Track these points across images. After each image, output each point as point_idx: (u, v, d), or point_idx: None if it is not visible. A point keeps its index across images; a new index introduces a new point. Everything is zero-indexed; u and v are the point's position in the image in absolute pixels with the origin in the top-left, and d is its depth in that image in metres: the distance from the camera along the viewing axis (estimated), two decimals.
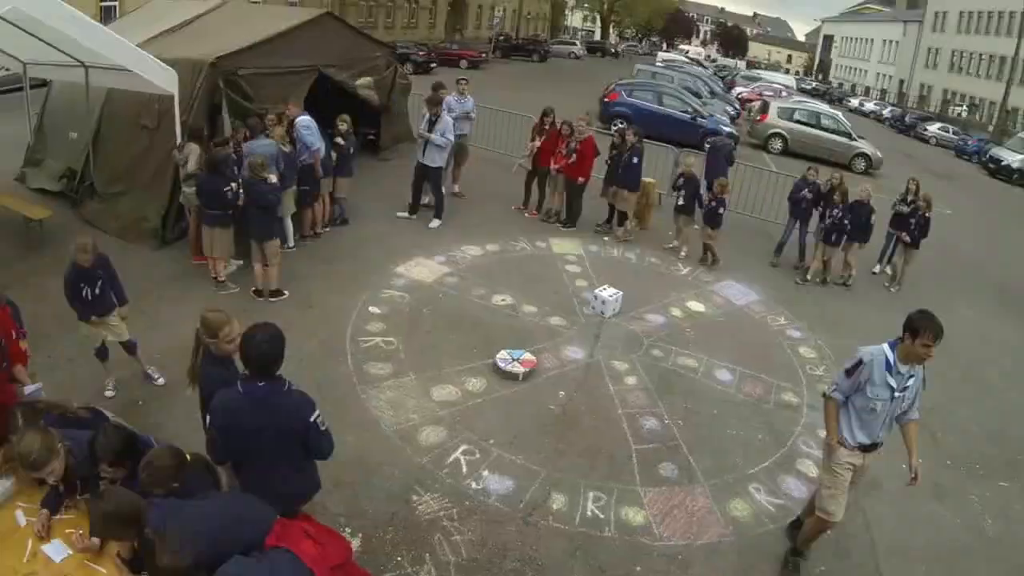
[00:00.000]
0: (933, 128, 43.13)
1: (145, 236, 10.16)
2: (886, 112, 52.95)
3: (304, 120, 10.33)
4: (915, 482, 5.00)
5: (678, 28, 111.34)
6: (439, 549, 5.35)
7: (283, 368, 6.97)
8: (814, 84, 75.25)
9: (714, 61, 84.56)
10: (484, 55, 44.52)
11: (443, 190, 12.54)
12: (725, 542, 5.83)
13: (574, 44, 66.14)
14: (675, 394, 7.97)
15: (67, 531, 3.89)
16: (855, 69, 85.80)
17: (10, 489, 4.07)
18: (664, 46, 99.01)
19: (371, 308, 9.02)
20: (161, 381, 7.17)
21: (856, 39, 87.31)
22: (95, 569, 3.69)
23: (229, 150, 9.15)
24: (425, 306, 9.28)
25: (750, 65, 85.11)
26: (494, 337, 8.64)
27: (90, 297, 6.47)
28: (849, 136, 25.56)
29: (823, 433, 7.36)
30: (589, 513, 5.95)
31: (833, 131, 25.64)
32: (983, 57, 55.32)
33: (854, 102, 59.41)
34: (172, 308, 8.43)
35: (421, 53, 36.47)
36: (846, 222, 11.34)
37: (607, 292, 9.54)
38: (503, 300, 9.75)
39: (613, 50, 78.13)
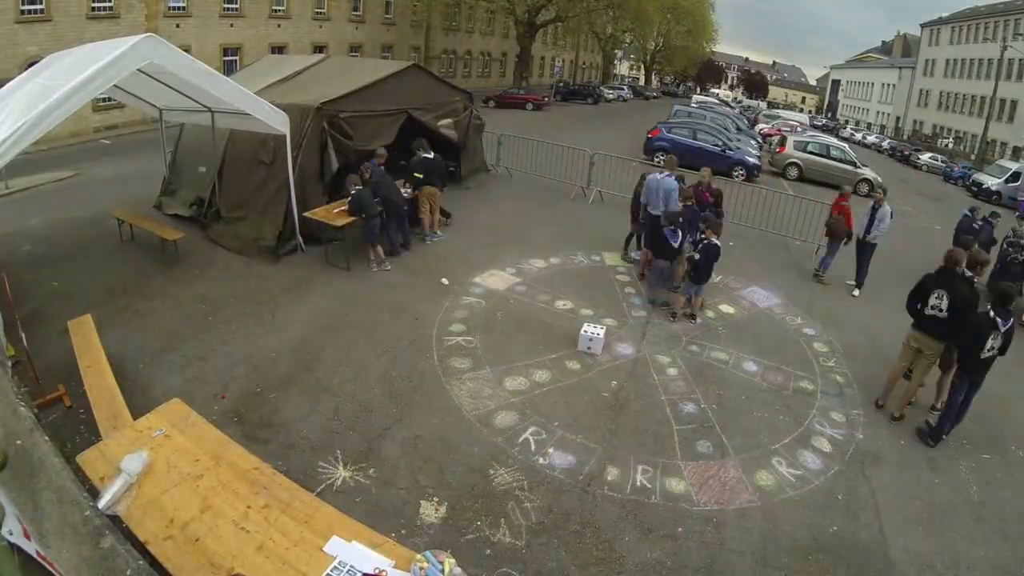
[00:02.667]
0: (924, 157, 43.78)
1: (262, 253, 10.61)
2: (885, 144, 53.25)
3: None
4: None
5: (710, 74, 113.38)
6: (512, 515, 5.62)
7: (377, 364, 7.49)
8: (824, 121, 75.36)
9: (740, 102, 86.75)
10: (547, 99, 44.92)
11: None
12: (753, 507, 6.04)
13: (623, 89, 66.73)
14: (709, 383, 8.14)
15: None
16: (859, 108, 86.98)
17: (147, 461, 4.28)
18: (698, 90, 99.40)
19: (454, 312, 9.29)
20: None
21: (859, 83, 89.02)
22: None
23: None
24: (499, 310, 9.50)
25: (770, 105, 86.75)
26: (557, 336, 8.87)
27: None
28: (854, 164, 25.72)
29: (836, 415, 7.60)
30: (638, 483, 6.18)
31: (840, 160, 25.84)
32: (966, 97, 57.27)
33: (857, 136, 59.45)
34: (286, 313, 8.92)
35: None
36: None
37: None
38: (564, 305, 9.94)
39: (654, 94, 78.78)
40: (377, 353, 8.04)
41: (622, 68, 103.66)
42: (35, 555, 2.64)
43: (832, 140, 30.24)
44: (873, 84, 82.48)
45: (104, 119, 23.04)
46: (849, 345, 9.68)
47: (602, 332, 8.62)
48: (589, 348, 8.52)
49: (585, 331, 8.55)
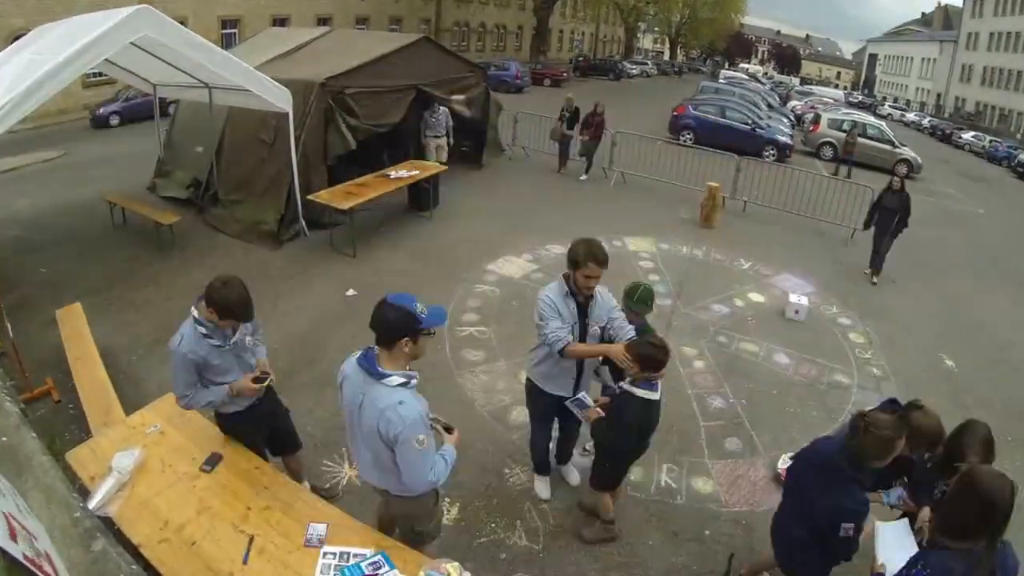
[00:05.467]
0: (967, 136, 43.29)
1: (263, 238, 10.58)
2: (925, 122, 52.76)
3: None
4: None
5: (739, 48, 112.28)
6: (528, 516, 5.57)
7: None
8: (860, 98, 74.77)
9: (771, 78, 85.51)
10: (565, 74, 44.81)
11: None
12: None
13: (646, 64, 66.87)
14: (739, 376, 8.05)
15: None
16: (897, 84, 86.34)
17: (139, 459, 4.23)
18: (726, 65, 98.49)
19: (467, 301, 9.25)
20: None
21: (898, 57, 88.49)
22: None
23: None
24: (514, 299, 9.41)
25: (803, 81, 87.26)
26: None
27: None
28: (892, 144, 25.34)
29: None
30: (663, 483, 6.12)
31: (878, 139, 25.46)
32: (1012, 72, 56.28)
33: (896, 114, 58.73)
34: (288, 302, 8.89)
35: None
36: None
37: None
38: None
39: (677, 70, 78.30)
40: None
41: (645, 42, 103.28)
42: (21, 558, 2.61)
43: (869, 118, 29.88)
44: (912, 59, 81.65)
45: (95, 95, 23.08)
46: (887, 335, 9.56)
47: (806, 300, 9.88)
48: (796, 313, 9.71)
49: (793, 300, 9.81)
